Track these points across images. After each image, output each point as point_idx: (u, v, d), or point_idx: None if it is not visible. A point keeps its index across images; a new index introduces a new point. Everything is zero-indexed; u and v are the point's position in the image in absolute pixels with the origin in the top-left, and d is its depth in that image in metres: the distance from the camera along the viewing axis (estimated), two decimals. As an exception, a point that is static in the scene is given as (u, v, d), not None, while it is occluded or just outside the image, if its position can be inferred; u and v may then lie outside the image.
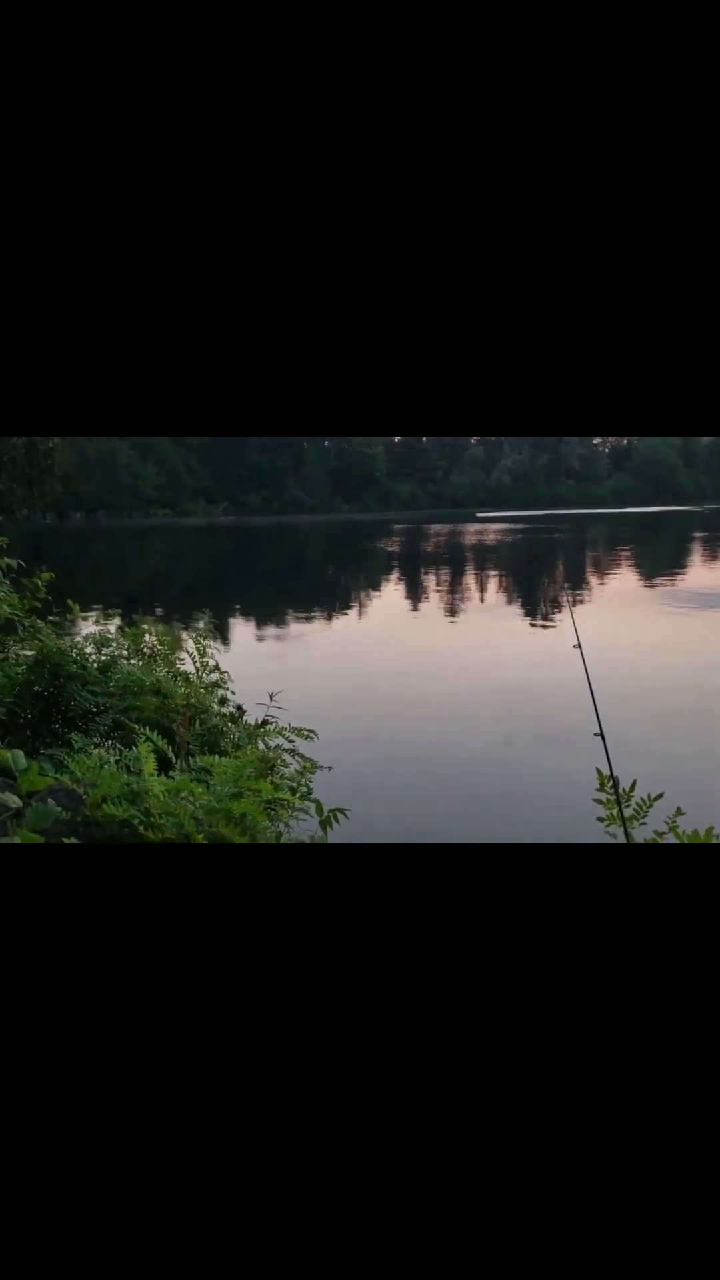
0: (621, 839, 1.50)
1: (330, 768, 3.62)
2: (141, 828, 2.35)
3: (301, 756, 3.36)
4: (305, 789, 3.25)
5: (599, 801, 1.63)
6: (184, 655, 3.75)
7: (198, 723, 3.11)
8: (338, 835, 3.08)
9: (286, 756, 3.31)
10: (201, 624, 3.87)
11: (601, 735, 1.48)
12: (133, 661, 3.61)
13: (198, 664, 3.58)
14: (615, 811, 1.57)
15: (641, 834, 1.59)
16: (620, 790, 1.58)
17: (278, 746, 3.39)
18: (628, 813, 1.58)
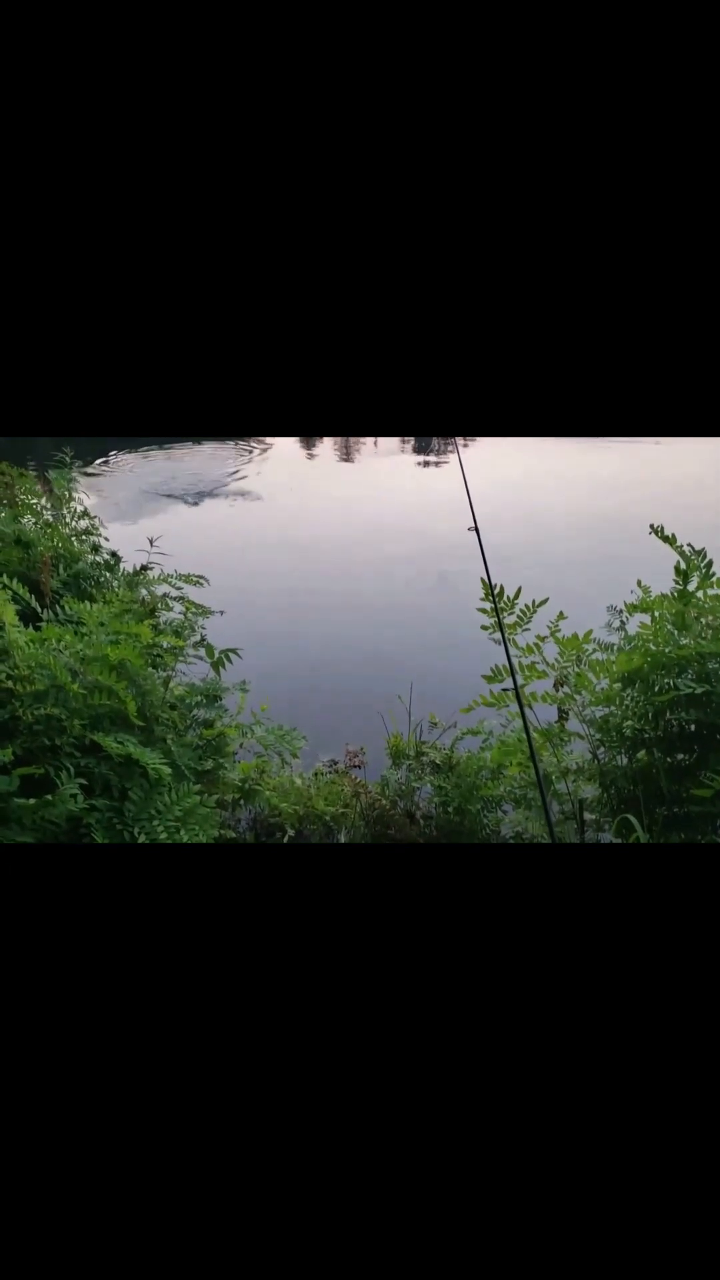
0: (501, 645, 1.46)
1: (223, 612, 3.48)
2: (10, 682, 2.18)
3: (190, 603, 3.21)
4: (198, 634, 3.13)
5: (482, 610, 1.58)
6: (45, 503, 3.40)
7: (62, 568, 2.89)
8: (232, 676, 3.01)
9: (172, 603, 3.15)
10: (66, 459, 3.47)
11: (476, 530, 1.40)
12: (-10, 511, 3.26)
13: (63, 507, 3.27)
14: (496, 621, 1.52)
15: (524, 638, 1.56)
16: (502, 599, 1.52)
17: (164, 595, 3.22)
18: (510, 620, 1.54)
